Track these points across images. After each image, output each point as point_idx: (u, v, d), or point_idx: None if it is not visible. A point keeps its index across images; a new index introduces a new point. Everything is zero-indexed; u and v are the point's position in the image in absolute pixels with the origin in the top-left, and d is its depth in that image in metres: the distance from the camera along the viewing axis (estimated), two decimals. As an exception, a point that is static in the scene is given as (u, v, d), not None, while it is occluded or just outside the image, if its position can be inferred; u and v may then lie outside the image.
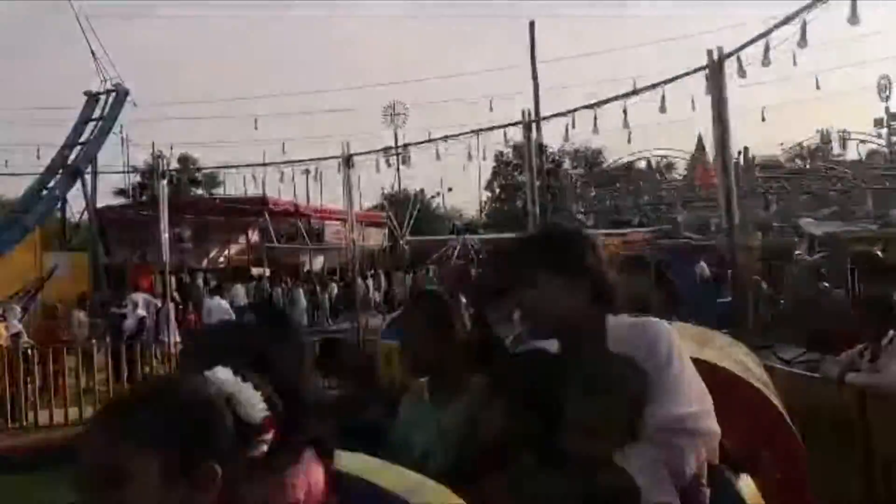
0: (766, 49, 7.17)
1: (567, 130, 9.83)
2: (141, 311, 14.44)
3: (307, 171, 17.15)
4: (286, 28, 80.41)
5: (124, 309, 15.29)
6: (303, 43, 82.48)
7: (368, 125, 69.15)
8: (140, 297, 15.71)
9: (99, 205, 26.53)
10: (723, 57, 7.03)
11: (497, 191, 54.70)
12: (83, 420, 10.59)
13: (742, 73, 7.35)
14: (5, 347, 11.22)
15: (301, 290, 26.38)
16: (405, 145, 16.69)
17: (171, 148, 29.89)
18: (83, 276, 22.78)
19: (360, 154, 13.34)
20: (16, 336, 12.38)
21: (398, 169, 23.00)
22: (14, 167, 27.04)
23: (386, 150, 15.96)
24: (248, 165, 18.54)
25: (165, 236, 11.40)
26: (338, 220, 29.90)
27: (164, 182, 12.12)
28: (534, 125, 9.79)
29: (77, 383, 11.30)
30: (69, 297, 19.42)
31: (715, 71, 6.91)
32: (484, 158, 12.16)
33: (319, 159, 14.31)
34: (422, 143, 14.94)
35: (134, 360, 11.65)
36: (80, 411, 10.73)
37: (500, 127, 11.60)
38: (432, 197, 48.36)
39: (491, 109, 18.91)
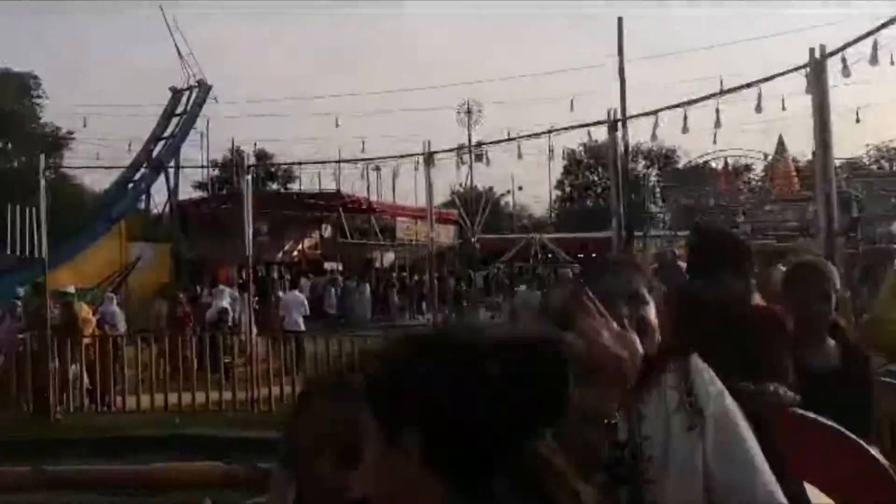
0: (875, 47, 6.90)
1: (654, 130, 9.67)
2: (223, 303, 14.80)
3: (377, 168, 17.31)
4: (367, 27, 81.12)
5: (208, 298, 15.72)
6: (385, 41, 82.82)
7: (445, 124, 69.13)
8: (227, 290, 16.10)
9: (180, 198, 27.29)
10: (825, 55, 6.77)
11: (568, 189, 54.25)
12: (167, 406, 10.92)
13: (846, 72, 7.10)
14: (96, 335, 11.63)
15: (368, 286, 26.68)
16: (479, 143, 16.69)
17: (255, 145, 30.43)
18: (165, 266, 23.50)
19: (441, 151, 13.35)
20: (109, 322, 12.93)
21: (471, 167, 23.01)
22: (105, 160, 28.02)
23: (460, 148, 15.97)
24: (323, 162, 18.78)
25: (250, 230, 11.62)
26: (409, 216, 30.09)
27: (249, 177, 12.36)
28: (619, 124, 9.63)
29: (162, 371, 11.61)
30: (151, 287, 20.09)
31: (817, 70, 6.66)
32: (563, 158, 12.06)
33: (400, 157, 14.36)
34: (499, 142, 14.89)
35: (216, 349, 11.95)
36: (166, 398, 11.05)
37: (582, 126, 11.49)
38: (501, 195, 48.25)
39: (572, 109, 18.80)
